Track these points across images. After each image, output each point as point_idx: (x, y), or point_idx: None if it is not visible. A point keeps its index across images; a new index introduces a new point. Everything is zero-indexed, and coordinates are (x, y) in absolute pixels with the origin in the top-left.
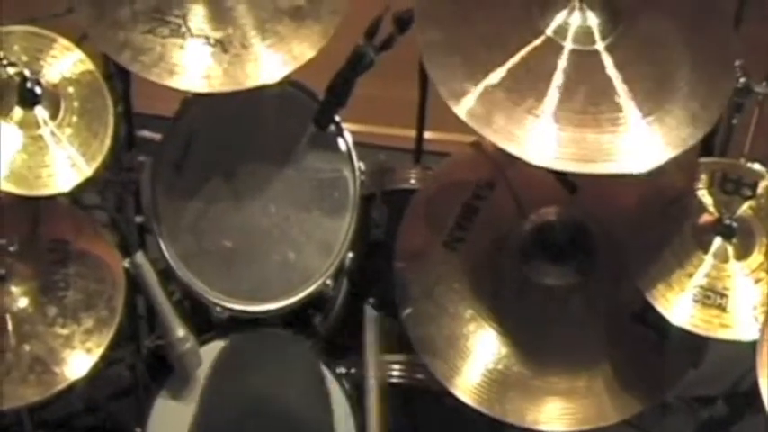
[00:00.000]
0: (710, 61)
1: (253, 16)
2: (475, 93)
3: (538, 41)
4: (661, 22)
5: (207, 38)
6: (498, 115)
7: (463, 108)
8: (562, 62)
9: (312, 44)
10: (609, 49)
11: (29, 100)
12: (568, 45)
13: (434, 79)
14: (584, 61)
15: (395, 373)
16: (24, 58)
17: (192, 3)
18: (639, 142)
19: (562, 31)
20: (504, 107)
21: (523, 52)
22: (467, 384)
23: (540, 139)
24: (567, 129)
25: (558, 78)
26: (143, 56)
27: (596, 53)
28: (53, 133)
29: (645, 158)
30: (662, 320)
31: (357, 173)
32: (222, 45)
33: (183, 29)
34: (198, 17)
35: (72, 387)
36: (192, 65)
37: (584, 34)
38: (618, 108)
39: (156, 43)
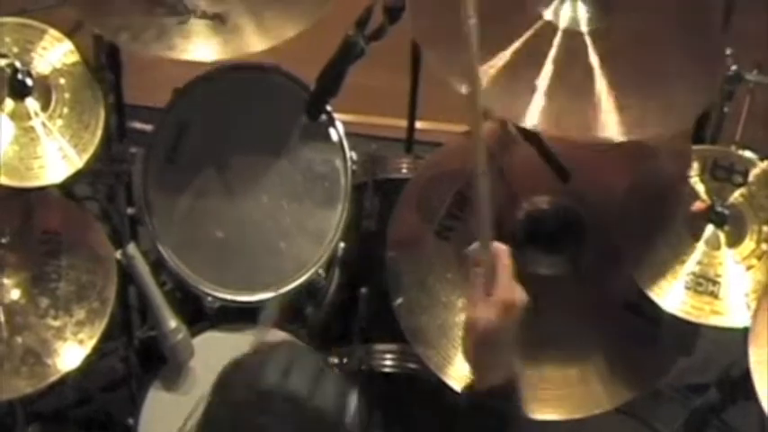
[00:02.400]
0: (699, 48)
1: None
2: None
3: (536, 26)
4: (650, 12)
5: (204, 12)
6: (501, 92)
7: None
8: (556, 43)
9: (310, 13)
10: (593, 34)
11: (20, 91)
12: (562, 25)
13: (437, 68)
14: (574, 43)
15: (387, 362)
16: (15, 50)
17: None
18: (621, 115)
19: (555, 17)
20: (508, 86)
21: (523, 38)
22: (460, 374)
23: (537, 110)
24: (560, 102)
25: (551, 57)
26: (142, 34)
27: (583, 36)
28: (44, 125)
29: (626, 129)
30: (654, 308)
31: (349, 162)
32: (220, 17)
33: (180, 7)
34: None
35: (64, 379)
36: (191, 38)
37: (574, 20)
38: (598, 89)
39: (153, 22)
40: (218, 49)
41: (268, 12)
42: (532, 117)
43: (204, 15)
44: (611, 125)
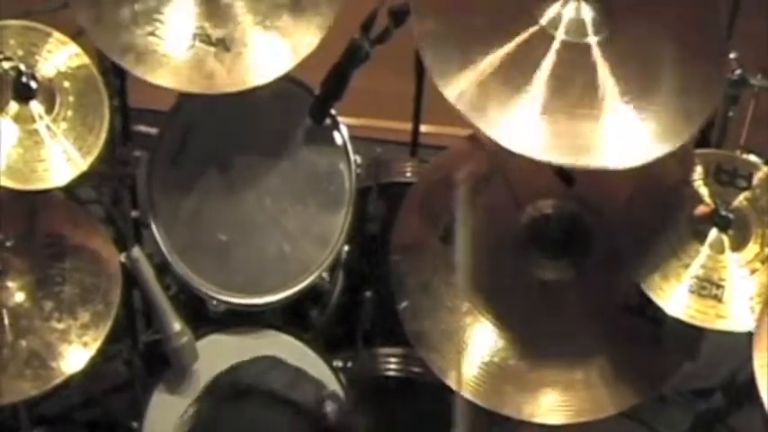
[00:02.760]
0: (703, 58)
1: (252, 12)
2: (469, 81)
3: (531, 30)
4: (654, 20)
5: (208, 36)
6: (491, 104)
7: (457, 96)
8: (552, 53)
9: (312, 36)
10: (600, 43)
11: (24, 94)
12: (560, 36)
13: (429, 67)
14: (575, 54)
15: (392, 366)
16: (20, 53)
17: (191, 2)
18: (627, 137)
19: (555, 22)
20: (496, 96)
21: (517, 40)
22: (463, 377)
23: (529, 129)
24: (556, 120)
25: (547, 69)
26: (146, 58)
27: (587, 46)
28: (48, 127)
29: (632, 154)
30: (659, 312)
31: (353, 166)
32: (224, 43)
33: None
34: (198, 16)
35: (69, 382)
36: (195, 66)
37: (577, 27)
38: (605, 103)
39: (158, 45)
40: (222, 80)
41: (271, 35)
42: (529, 146)
43: (207, 41)
44: (614, 150)
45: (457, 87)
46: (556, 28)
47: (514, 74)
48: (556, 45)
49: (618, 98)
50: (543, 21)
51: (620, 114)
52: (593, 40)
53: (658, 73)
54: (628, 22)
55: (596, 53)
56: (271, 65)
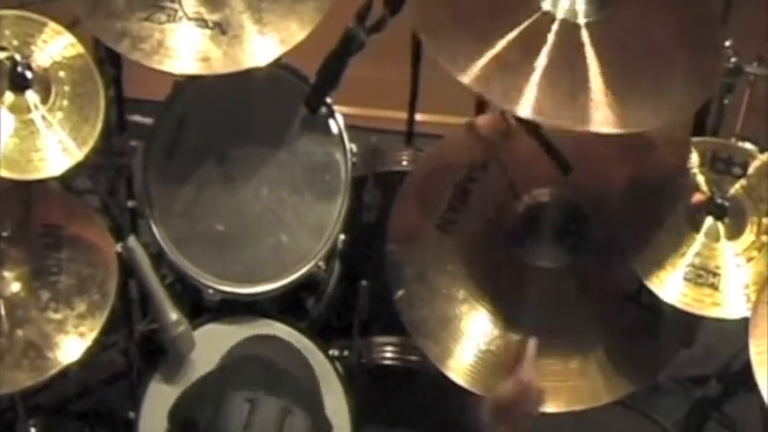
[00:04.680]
0: (698, 43)
1: None
2: (478, 63)
3: (534, 16)
4: (649, 5)
5: (204, 21)
6: (497, 80)
7: (468, 77)
8: (552, 34)
9: (309, 21)
10: (590, 26)
11: (19, 84)
12: (560, 15)
13: (437, 54)
14: (572, 35)
15: (388, 355)
16: (15, 43)
17: None
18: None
19: (554, 6)
20: (501, 74)
21: (521, 27)
22: (460, 365)
23: (531, 98)
24: (553, 90)
25: (548, 48)
26: (142, 44)
27: (579, 27)
28: (44, 117)
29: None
30: (655, 300)
31: (349, 155)
32: (220, 27)
33: (180, 13)
34: (195, 0)
35: (65, 372)
36: (191, 49)
37: (572, 11)
38: (593, 82)
39: (154, 30)
40: (218, 63)
41: (267, 18)
42: (526, 107)
43: (203, 25)
44: (607, 118)
45: (469, 71)
46: (554, 14)
47: (519, 53)
48: (555, 26)
49: (602, 78)
50: (545, 6)
51: (602, 92)
52: (582, 21)
53: (653, 55)
54: (623, 7)
55: (584, 36)
56: (266, 48)
